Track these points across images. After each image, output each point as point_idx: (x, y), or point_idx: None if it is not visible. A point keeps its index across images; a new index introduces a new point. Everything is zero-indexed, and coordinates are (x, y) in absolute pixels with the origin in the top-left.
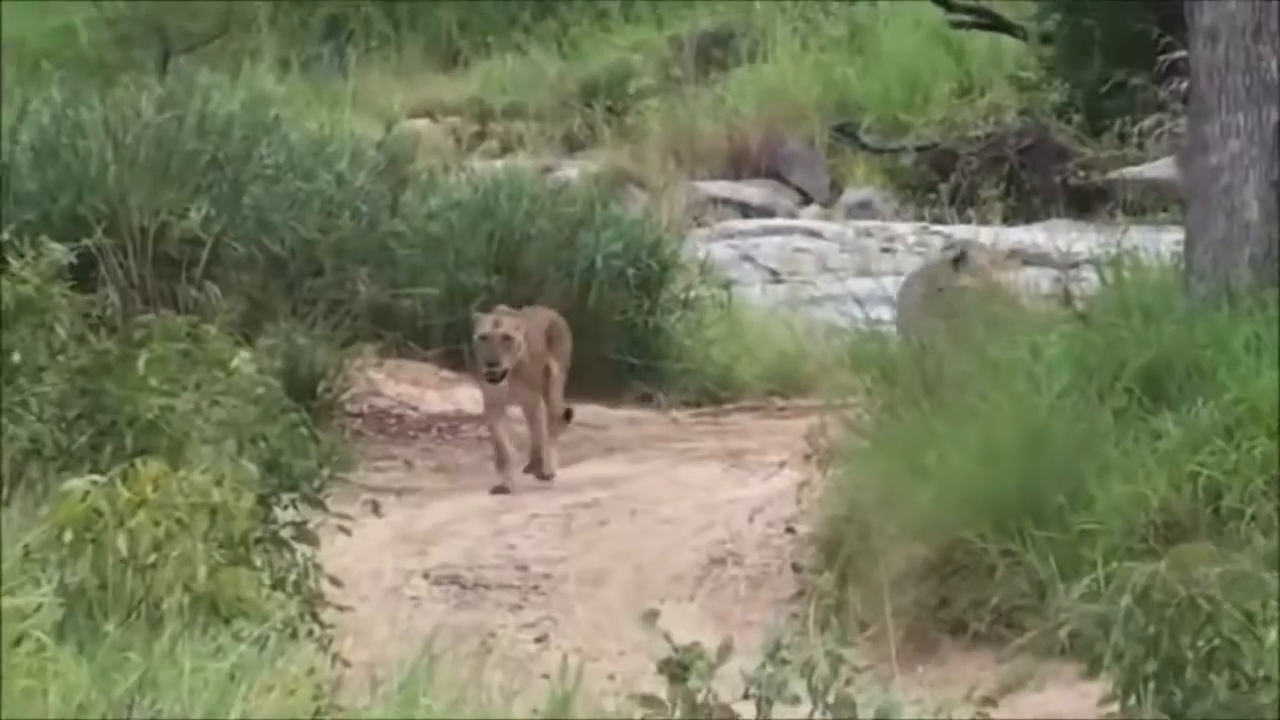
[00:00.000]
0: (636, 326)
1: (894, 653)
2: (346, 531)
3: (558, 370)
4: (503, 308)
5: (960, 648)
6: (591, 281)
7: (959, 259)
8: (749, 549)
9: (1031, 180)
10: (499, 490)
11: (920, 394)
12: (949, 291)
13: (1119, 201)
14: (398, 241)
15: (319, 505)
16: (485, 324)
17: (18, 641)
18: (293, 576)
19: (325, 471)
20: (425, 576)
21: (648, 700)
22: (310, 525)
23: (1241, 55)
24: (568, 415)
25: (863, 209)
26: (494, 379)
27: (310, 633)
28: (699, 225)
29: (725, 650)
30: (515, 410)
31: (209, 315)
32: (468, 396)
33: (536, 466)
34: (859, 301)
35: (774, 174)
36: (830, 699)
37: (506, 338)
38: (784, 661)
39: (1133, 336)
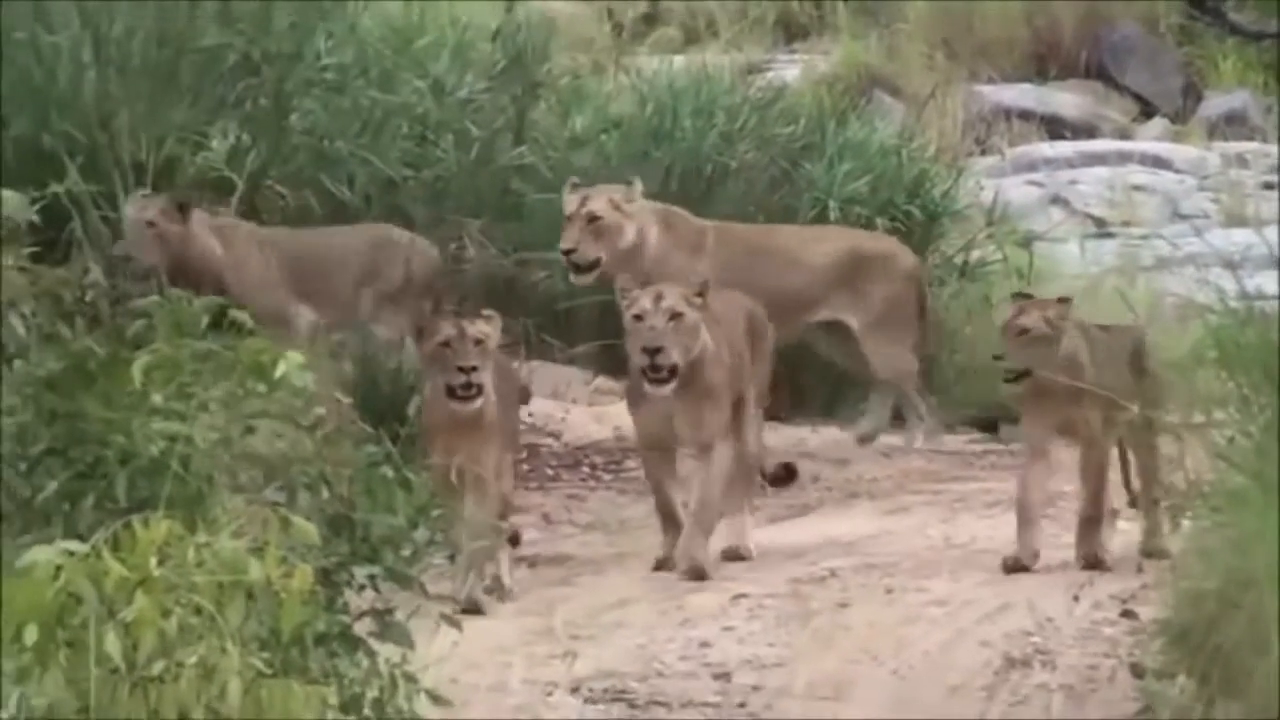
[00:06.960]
0: None
1: None
2: (456, 624)
3: (754, 394)
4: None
5: None
6: None
7: None
8: (1066, 643)
9: None
10: (662, 566)
11: None
12: None
13: None
14: (526, 181)
15: (413, 585)
16: (644, 296)
17: None
18: (373, 694)
19: (421, 533)
20: (574, 691)
21: None
22: (400, 615)
23: None
24: (788, 475)
25: (1234, 124)
26: (658, 378)
27: None
28: (984, 151)
29: None
30: None
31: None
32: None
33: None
34: (1229, 264)
35: (1098, 73)
36: None
37: (676, 314)
38: None
39: None
